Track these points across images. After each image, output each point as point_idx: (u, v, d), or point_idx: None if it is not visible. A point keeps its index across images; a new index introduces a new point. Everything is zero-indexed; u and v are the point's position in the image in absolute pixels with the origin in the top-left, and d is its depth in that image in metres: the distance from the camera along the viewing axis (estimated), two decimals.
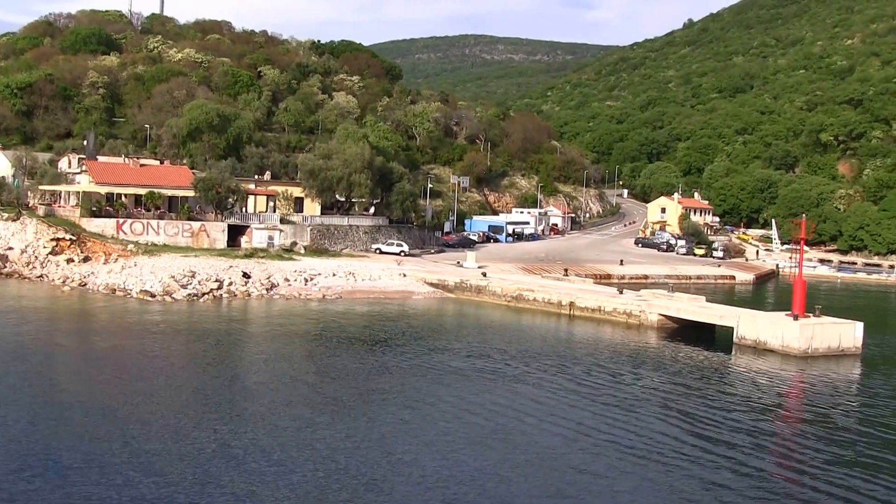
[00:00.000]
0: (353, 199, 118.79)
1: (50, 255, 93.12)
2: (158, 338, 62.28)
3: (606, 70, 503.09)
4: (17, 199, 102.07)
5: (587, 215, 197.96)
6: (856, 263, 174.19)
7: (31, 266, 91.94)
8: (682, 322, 75.15)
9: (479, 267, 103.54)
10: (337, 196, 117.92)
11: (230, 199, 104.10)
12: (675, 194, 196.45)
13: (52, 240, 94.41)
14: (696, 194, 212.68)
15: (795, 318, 66.61)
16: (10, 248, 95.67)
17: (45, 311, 72.60)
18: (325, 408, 45.05)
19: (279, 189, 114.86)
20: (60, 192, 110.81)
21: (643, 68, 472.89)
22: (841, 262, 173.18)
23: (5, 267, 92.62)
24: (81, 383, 48.73)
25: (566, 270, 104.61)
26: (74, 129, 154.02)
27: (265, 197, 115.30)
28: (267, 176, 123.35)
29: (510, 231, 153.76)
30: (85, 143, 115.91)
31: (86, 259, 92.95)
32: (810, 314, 68.71)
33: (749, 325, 68.22)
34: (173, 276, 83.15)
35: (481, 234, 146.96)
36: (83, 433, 38.49)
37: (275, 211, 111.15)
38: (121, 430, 39.05)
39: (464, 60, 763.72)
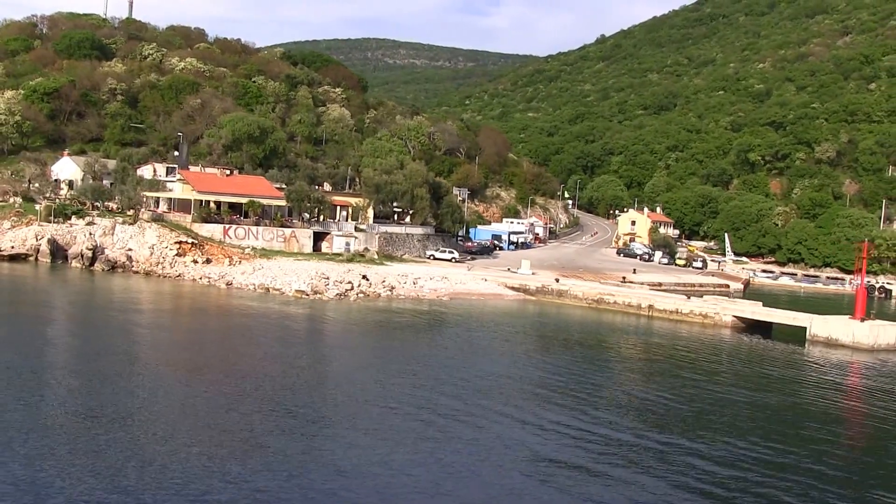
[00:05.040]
0: (409, 210, 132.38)
1: (176, 257, 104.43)
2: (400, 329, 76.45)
3: (523, 81, 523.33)
4: (136, 204, 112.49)
5: (560, 226, 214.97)
6: (796, 275, 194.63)
7: (160, 266, 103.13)
8: (749, 322, 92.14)
9: (532, 273, 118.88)
10: (395, 207, 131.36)
11: (317, 209, 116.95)
12: (645, 208, 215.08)
13: (175, 242, 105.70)
14: (658, 209, 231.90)
15: (862, 320, 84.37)
16: (130, 250, 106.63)
17: (238, 308, 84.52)
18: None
19: (352, 200, 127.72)
20: (145, 197, 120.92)
21: (560, 81, 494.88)
22: (805, 275, 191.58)
23: (132, 265, 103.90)
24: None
25: (623, 278, 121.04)
26: (105, 134, 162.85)
27: (332, 206, 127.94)
28: (326, 186, 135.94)
29: (510, 240, 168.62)
30: (176, 153, 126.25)
31: (207, 261, 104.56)
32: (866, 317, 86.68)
33: (821, 325, 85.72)
34: (312, 278, 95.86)
35: (490, 242, 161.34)
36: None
37: (347, 220, 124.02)
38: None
39: (366, 64, 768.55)
